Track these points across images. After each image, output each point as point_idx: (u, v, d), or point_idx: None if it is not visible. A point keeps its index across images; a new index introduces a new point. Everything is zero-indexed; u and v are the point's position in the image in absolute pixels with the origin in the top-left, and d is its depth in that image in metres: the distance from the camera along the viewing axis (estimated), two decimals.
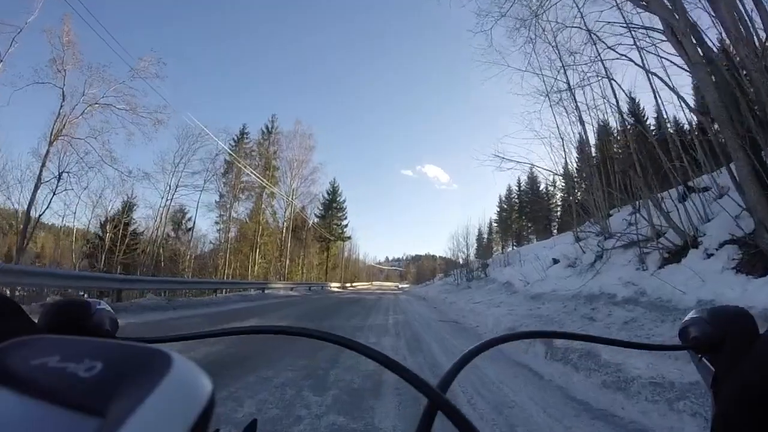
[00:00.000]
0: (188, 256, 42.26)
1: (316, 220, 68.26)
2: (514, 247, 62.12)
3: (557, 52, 15.77)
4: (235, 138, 49.45)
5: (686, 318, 0.61)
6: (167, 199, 37.89)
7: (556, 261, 17.00)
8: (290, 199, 52.11)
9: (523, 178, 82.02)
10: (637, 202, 12.49)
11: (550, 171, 22.15)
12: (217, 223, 46.21)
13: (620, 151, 15.75)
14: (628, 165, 12.30)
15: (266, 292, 24.77)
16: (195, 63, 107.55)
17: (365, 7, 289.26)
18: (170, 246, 42.92)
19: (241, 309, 14.44)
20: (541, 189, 76.40)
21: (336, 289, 45.45)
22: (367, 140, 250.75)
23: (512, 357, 5.92)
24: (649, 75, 11.34)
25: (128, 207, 39.45)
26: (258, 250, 45.50)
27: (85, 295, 10.29)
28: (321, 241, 67.14)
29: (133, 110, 27.66)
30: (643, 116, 28.80)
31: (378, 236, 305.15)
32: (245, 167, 40.06)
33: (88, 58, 26.96)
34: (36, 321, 0.48)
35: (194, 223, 43.72)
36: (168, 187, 37.66)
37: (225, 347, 5.86)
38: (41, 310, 0.52)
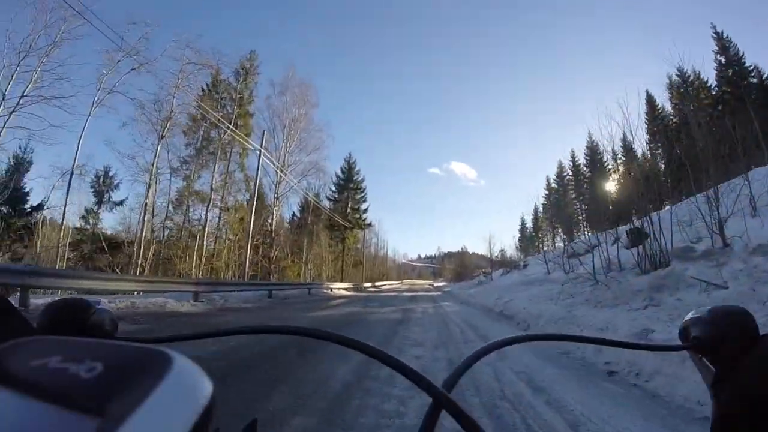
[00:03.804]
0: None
1: (327, 204, 52.85)
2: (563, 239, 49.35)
3: None
4: (207, 86, 34.74)
5: (686, 318, 0.60)
6: None
7: None
8: (278, 167, 35.92)
9: (580, 149, 67.00)
10: None
11: None
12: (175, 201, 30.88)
13: None
14: None
15: None
16: None
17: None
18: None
19: None
20: (604, 160, 61.20)
21: (342, 292, 30.41)
22: (393, 141, 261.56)
23: None
24: None
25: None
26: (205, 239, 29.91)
27: None
28: (334, 229, 51.57)
29: None
30: None
31: (409, 234, 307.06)
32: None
33: None
34: (35, 321, 0.51)
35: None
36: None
37: None
38: (41, 310, 0.53)
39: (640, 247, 11.62)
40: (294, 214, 49.49)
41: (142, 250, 26.39)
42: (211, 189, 31.97)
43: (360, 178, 60.76)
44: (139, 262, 25.97)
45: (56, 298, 0.53)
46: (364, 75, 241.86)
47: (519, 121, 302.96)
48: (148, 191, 27.70)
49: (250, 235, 24.91)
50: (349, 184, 59.31)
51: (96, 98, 25.72)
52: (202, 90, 34.01)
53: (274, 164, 34.93)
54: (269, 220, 37.67)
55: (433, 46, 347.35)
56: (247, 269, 24.67)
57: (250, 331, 0.57)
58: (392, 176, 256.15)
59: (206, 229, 31.04)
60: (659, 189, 12.16)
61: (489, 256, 45.16)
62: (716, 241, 10.02)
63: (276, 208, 38.45)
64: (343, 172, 59.79)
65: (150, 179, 27.62)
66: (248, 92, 37.50)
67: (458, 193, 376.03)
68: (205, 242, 30.71)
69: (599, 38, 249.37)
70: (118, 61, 25.99)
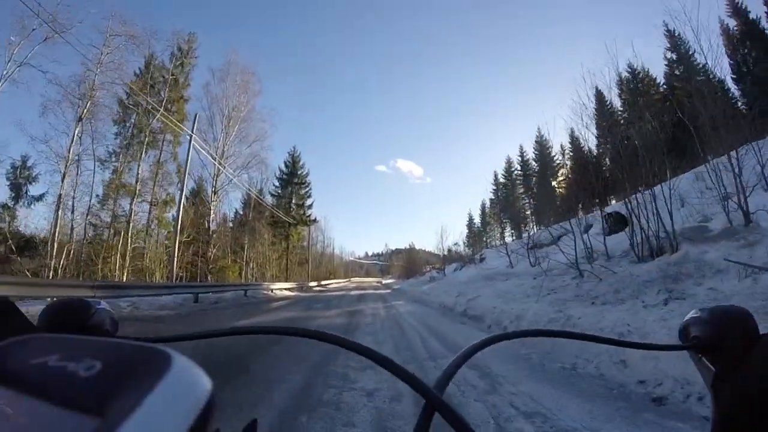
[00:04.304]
0: None
1: (270, 200, 50.36)
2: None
3: None
4: (139, 70, 31.54)
5: (686, 317, 0.60)
6: None
7: None
8: (216, 159, 33.23)
9: (529, 144, 67.06)
10: None
11: None
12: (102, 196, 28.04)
13: None
14: None
15: None
16: None
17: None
18: None
19: None
20: (553, 155, 61.56)
21: (285, 293, 28.06)
22: (340, 138, 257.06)
23: None
24: None
25: None
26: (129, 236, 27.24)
27: None
28: (278, 226, 49.08)
29: None
30: None
31: (356, 232, 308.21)
32: None
33: None
34: (35, 321, 0.50)
35: None
36: None
37: None
38: (41, 310, 0.52)
39: (624, 231, 10.09)
40: (237, 212, 46.56)
41: (55, 250, 23.13)
42: (137, 180, 28.73)
43: (305, 173, 57.89)
44: (52, 264, 22.70)
45: (56, 299, 0.57)
46: (307, 68, 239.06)
47: (465, 119, 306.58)
48: (63, 181, 24.23)
49: (179, 231, 22.25)
50: (293, 178, 56.30)
51: (4, 71, 22.12)
52: (135, 74, 30.76)
53: (210, 155, 32.14)
54: (208, 217, 34.92)
55: (378, 39, 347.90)
56: (175, 269, 21.82)
57: (251, 331, 0.57)
58: (339, 173, 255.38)
59: (131, 225, 27.85)
60: (650, 163, 10.53)
61: (440, 249, 43.38)
62: (734, 218, 8.50)
63: (214, 203, 35.55)
64: (287, 166, 56.91)
65: (66, 168, 24.20)
66: (184, 76, 34.25)
67: (405, 191, 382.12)
68: (129, 240, 27.51)
69: (550, 31, 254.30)
70: (33, 29, 22.47)
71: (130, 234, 27.71)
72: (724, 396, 0.50)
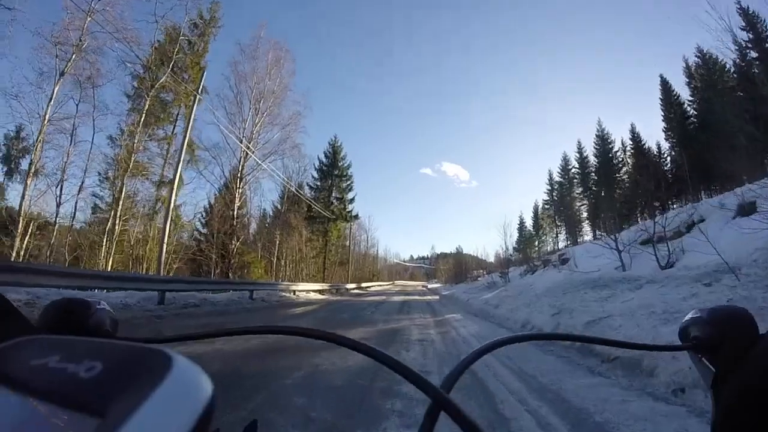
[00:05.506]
0: None
1: (308, 192, 46.18)
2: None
3: None
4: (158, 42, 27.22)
5: (686, 318, 0.62)
6: None
7: None
8: (242, 140, 28.88)
9: (588, 139, 61.69)
10: None
11: None
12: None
13: None
14: None
15: None
16: None
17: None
18: None
19: None
20: (616, 151, 56.14)
21: (312, 296, 23.95)
22: (383, 141, 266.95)
23: None
24: None
25: None
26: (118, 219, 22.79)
27: None
28: (316, 221, 44.81)
29: None
30: None
31: (402, 235, 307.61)
32: None
33: None
34: (35, 321, 0.52)
35: None
36: None
37: None
38: (41, 309, 0.53)
39: None
40: (274, 204, 42.90)
41: (19, 228, 18.90)
42: (131, 153, 24.12)
43: (346, 164, 54.02)
44: (15, 245, 18.61)
45: (56, 298, 0.53)
46: (352, 61, 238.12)
47: (513, 122, 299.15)
48: (35, 147, 19.91)
49: (170, 213, 17.28)
50: (333, 170, 52.63)
51: None
52: (153, 47, 26.68)
53: (226, 129, 27.64)
54: (233, 205, 30.47)
55: (422, 40, 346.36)
56: (163, 261, 16.74)
57: (253, 330, 0.57)
58: (383, 174, 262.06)
59: (120, 206, 23.27)
60: None
61: (503, 248, 37.31)
62: None
63: (239, 189, 30.98)
64: (326, 157, 53.24)
65: (41, 130, 19.84)
66: (203, 44, 30.02)
67: (451, 195, 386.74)
68: (117, 223, 22.92)
69: (604, 28, 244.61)
70: None
71: (119, 216, 23.22)
72: (724, 396, 0.51)
